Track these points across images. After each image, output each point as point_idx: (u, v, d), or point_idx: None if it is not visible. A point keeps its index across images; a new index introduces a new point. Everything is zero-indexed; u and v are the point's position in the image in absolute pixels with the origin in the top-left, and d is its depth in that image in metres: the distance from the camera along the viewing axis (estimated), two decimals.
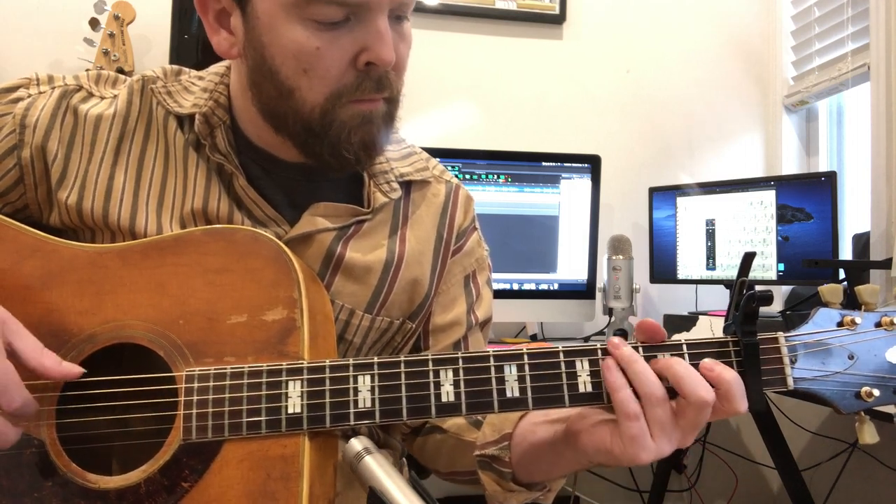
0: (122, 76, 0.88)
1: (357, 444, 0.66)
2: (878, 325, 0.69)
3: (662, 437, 0.64)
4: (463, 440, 0.85)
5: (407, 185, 0.91)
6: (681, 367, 0.65)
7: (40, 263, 0.72)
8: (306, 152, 0.79)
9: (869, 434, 0.68)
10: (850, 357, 0.68)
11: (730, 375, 0.65)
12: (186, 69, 0.89)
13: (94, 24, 1.91)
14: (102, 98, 0.85)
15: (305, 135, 0.77)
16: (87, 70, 0.89)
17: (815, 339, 0.69)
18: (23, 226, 0.74)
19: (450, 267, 0.93)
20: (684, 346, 0.68)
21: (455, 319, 0.93)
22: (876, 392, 0.67)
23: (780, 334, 0.69)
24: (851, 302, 0.76)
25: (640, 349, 0.67)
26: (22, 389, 0.64)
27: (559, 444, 0.72)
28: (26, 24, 2.06)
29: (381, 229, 0.88)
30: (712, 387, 0.65)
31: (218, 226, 0.78)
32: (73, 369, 0.68)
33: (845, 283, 1.63)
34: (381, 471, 0.64)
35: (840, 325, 0.69)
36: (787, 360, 0.68)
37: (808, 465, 1.98)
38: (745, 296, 0.67)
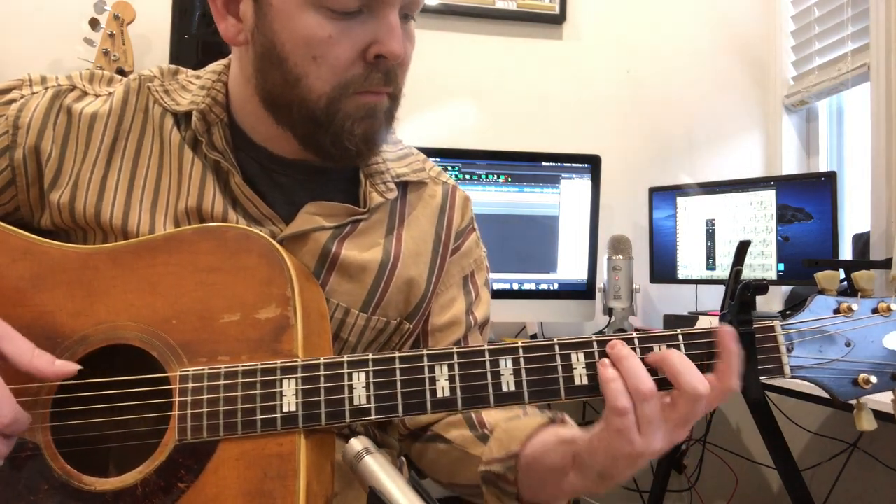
0: (116, 75, 0.88)
1: (357, 444, 0.66)
2: (875, 311, 0.68)
3: (651, 432, 0.64)
4: (468, 454, 0.83)
5: (403, 186, 0.91)
6: (677, 360, 0.65)
7: (31, 265, 0.72)
8: (307, 143, 0.79)
9: (867, 421, 0.68)
10: (847, 344, 0.68)
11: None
12: (184, 69, 0.89)
13: (94, 24, 1.91)
14: (97, 96, 0.84)
15: (309, 124, 0.77)
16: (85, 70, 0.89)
17: (812, 327, 0.68)
18: (13, 228, 0.74)
19: (448, 267, 0.93)
20: (680, 337, 0.68)
21: (454, 319, 0.93)
22: (873, 379, 0.67)
23: (777, 322, 0.68)
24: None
25: (636, 340, 0.67)
26: (13, 405, 0.64)
27: (567, 466, 0.71)
28: (26, 24, 2.06)
29: (377, 229, 0.87)
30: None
31: (209, 224, 0.78)
32: (67, 367, 0.67)
33: (845, 283, 1.63)
34: (381, 471, 0.63)
35: (837, 312, 0.69)
36: (783, 349, 0.68)
37: (808, 465, 1.97)
38: (740, 285, 0.66)
